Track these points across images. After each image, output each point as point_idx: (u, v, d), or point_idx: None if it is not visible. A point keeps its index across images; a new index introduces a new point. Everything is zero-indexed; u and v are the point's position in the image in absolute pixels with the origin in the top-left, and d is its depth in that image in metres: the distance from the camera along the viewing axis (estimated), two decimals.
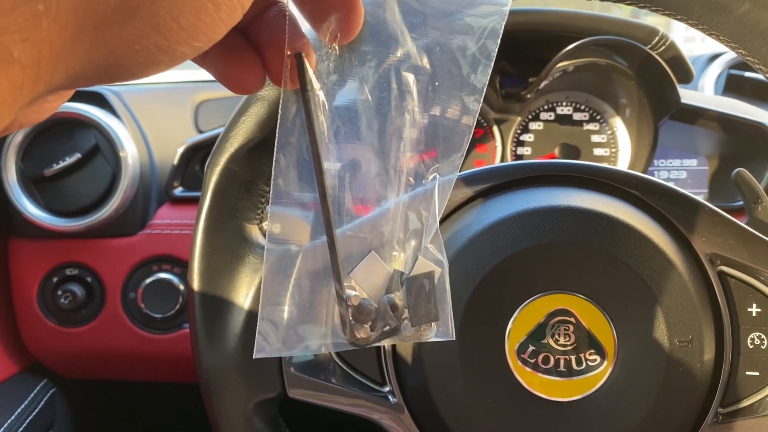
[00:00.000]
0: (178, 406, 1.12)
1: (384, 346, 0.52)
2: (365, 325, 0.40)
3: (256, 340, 0.40)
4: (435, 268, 0.40)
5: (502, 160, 1.01)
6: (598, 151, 1.00)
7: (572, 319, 0.49)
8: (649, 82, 0.91)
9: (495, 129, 1.01)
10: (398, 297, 0.40)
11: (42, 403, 0.95)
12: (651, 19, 1.07)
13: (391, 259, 0.41)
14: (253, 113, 0.51)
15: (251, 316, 0.51)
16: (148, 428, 1.16)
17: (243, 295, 0.52)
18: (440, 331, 0.40)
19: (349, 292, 0.40)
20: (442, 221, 0.52)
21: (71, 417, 1.01)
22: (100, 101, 0.93)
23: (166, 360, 0.92)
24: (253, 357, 0.39)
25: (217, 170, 0.52)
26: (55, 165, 0.86)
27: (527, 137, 1.01)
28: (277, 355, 0.44)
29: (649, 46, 0.90)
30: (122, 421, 1.15)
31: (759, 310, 0.51)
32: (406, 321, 0.40)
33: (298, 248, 0.41)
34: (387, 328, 0.40)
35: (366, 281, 0.40)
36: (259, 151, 0.52)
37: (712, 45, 1.33)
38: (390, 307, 0.40)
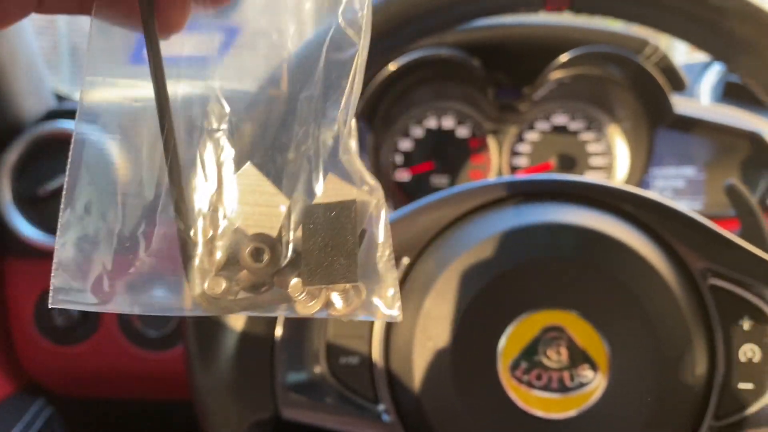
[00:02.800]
0: (176, 424, 1.11)
1: (375, 364, 0.51)
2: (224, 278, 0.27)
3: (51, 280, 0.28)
4: (358, 196, 0.27)
5: (498, 172, 1.00)
6: (594, 161, 1.00)
7: (564, 336, 0.49)
8: (643, 92, 0.91)
9: (490, 140, 1.00)
10: (285, 236, 0.27)
11: (39, 422, 0.95)
12: (643, 29, 1.06)
13: (282, 172, 0.29)
14: None
15: (244, 338, 0.51)
16: None
17: (235, 316, 0.51)
18: (368, 302, 0.28)
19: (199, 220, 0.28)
20: (434, 238, 0.52)
21: None
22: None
23: (163, 378, 0.91)
24: (49, 307, 0.28)
25: None
26: (48, 185, 0.86)
27: (523, 148, 1.00)
28: (81, 306, 0.29)
29: (642, 56, 0.90)
30: None
31: (751, 323, 0.51)
32: (296, 278, 0.27)
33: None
34: (250, 284, 0.28)
35: (240, 204, 0.28)
36: None
37: None
38: (253, 252, 0.27)
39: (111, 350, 0.92)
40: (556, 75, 0.90)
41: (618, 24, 0.91)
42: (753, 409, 0.50)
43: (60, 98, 1.03)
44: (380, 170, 0.99)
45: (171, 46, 0.31)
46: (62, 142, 0.88)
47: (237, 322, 0.51)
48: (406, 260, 0.51)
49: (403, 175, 1.01)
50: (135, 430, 1.16)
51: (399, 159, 1.01)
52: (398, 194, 1.00)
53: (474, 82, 0.94)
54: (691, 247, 0.50)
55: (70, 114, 0.93)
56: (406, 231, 0.52)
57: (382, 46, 0.52)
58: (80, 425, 1.05)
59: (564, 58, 0.87)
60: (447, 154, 1.01)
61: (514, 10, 0.53)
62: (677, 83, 0.93)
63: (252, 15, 0.32)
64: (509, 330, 0.49)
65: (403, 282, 0.51)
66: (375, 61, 0.53)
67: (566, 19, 0.94)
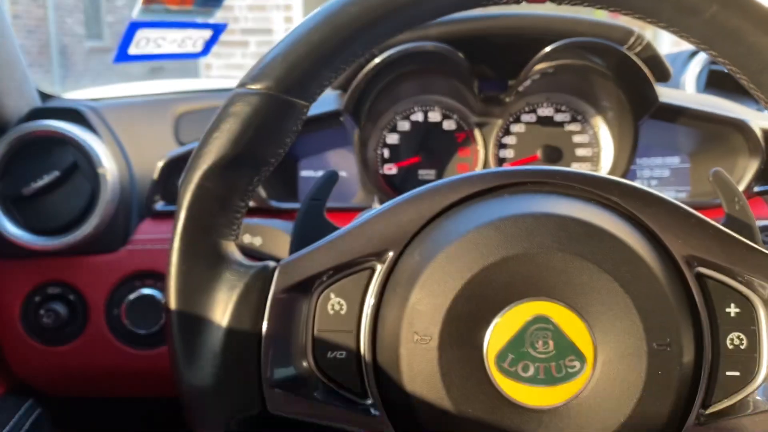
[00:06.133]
0: (166, 421, 1.11)
1: (362, 358, 0.51)
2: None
3: None
4: None
5: (484, 164, 1.01)
6: (580, 152, 1.00)
7: (551, 326, 0.49)
8: (627, 82, 0.92)
9: (476, 133, 1.00)
10: None
11: (28, 423, 0.94)
12: (627, 20, 1.07)
13: None
14: (225, 130, 0.51)
15: (229, 334, 0.51)
16: None
17: (220, 313, 0.51)
18: None
19: None
20: (418, 232, 0.52)
21: None
22: (78, 118, 0.92)
23: (152, 375, 0.91)
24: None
25: (191, 188, 0.51)
26: (33, 183, 0.85)
27: (509, 140, 1.01)
28: None
29: (626, 46, 0.90)
30: None
31: (738, 310, 0.51)
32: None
33: None
34: None
35: None
36: (232, 167, 0.51)
37: None
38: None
39: (99, 349, 0.91)
40: (540, 66, 0.90)
41: (602, 14, 0.91)
42: (740, 396, 0.51)
43: (44, 96, 1.02)
44: (367, 164, 0.99)
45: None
46: (47, 140, 0.87)
47: (221, 318, 0.51)
48: (391, 254, 0.51)
49: (390, 169, 1.01)
50: (124, 428, 1.16)
51: (386, 153, 1.01)
52: (385, 188, 1.00)
53: (459, 75, 0.94)
54: (676, 235, 0.51)
55: (54, 112, 0.93)
56: (391, 224, 0.52)
57: (366, 38, 0.52)
58: (69, 425, 1.05)
59: (548, 49, 0.87)
60: (434, 148, 1.01)
61: (497, 2, 0.53)
62: (662, 73, 0.93)
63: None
64: (495, 321, 0.49)
65: (388, 275, 0.51)
66: (359, 54, 0.53)
67: (549, 10, 0.94)
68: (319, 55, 0.51)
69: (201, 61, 6.03)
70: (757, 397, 0.50)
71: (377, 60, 0.90)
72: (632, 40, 0.90)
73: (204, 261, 0.52)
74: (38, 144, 0.87)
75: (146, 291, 0.91)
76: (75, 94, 1.10)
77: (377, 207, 0.54)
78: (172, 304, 0.51)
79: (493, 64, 0.97)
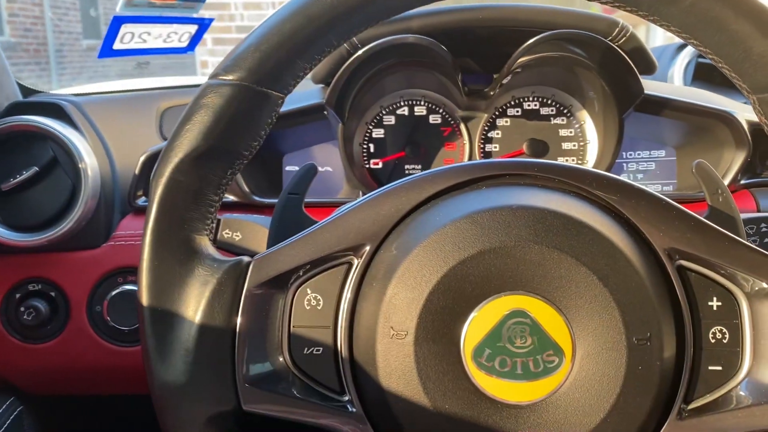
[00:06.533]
0: (148, 418, 1.10)
1: (339, 353, 0.51)
2: None
3: None
4: None
5: (470, 158, 1.00)
6: (566, 145, 0.99)
7: (528, 321, 0.48)
8: (612, 74, 0.91)
9: (462, 127, 1.00)
10: None
11: (9, 421, 0.93)
12: (613, 11, 1.06)
13: None
14: (197, 121, 0.50)
15: (202, 330, 0.50)
16: None
17: (193, 309, 0.50)
18: None
19: None
20: (396, 225, 0.51)
21: None
22: (58, 112, 0.91)
23: (135, 372, 0.90)
24: None
25: (162, 181, 0.50)
26: (12, 179, 0.84)
27: (495, 134, 1.00)
28: None
29: (610, 38, 0.89)
30: None
31: (720, 303, 0.50)
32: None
33: None
34: None
35: None
36: (204, 159, 0.51)
37: None
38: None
39: (81, 346, 0.90)
40: (524, 59, 0.90)
41: (587, 5, 0.90)
42: (722, 391, 0.50)
43: (26, 91, 1.01)
44: (353, 159, 0.99)
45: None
46: (25, 135, 0.86)
47: (194, 313, 0.50)
48: (368, 248, 0.51)
49: (376, 164, 1.00)
50: (106, 425, 1.15)
51: (371, 147, 1.00)
52: (371, 183, 1.00)
53: (443, 68, 0.93)
54: (657, 227, 0.50)
55: (34, 107, 0.91)
56: (368, 218, 0.51)
57: (340, 29, 0.51)
58: (52, 422, 1.04)
59: (531, 41, 0.87)
60: (419, 142, 1.00)
61: None
62: (647, 65, 0.92)
63: None
64: (472, 316, 0.48)
65: (365, 270, 0.51)
66: (334, 45, 0.52)
67: (533, 0, 0.93)
68: (292, 46, 0.50)
69: (197, 59, 6.02)
70: (740, 392, 0.50)
71: (359, 53, 0.89)
72: (616, 31, 0.89)
73: (176, 255, 0.51)
74: (17, 139, 0.86)
75: (129, 287, 0.90)
76: (61, 91, 1.09)
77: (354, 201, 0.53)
78: (144, 299, 0.51)
79: (477, 58, 0.97)
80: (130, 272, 0.91)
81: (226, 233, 0.65)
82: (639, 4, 0.50)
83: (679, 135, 0.97)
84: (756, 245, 0.50)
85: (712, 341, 0.50)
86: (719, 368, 0.50)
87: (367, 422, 0.50)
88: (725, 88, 1.10)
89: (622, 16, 0.91)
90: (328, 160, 1.00)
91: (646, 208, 0.50)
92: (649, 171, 0.98)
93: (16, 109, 0.90)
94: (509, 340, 0.48)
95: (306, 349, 0.51)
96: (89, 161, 0.86)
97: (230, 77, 0.50)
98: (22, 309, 0.89)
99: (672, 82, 1.28)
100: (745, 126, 0.89)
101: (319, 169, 0.98)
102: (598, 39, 0.87)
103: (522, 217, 0.49)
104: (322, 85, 0.97)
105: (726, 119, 0.90)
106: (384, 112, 1.00)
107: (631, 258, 0.49)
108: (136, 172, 0.91)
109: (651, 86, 0.91)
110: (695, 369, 0.50)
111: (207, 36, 5.06)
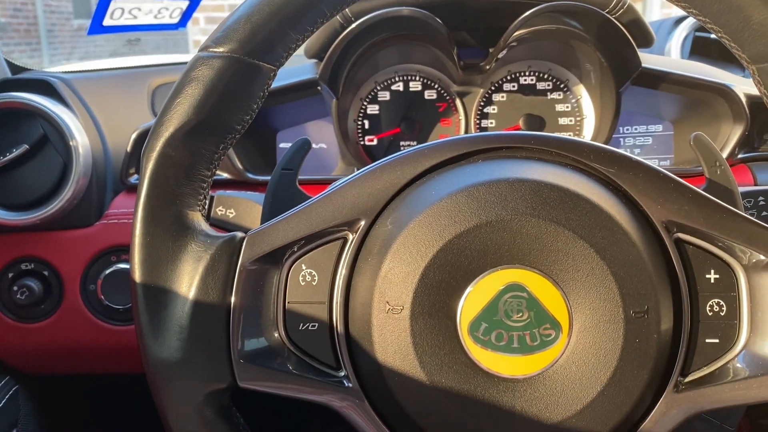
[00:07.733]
0: (143, 397, 1.10)
1: (335, 328, 0.50)
2: None
3: None
4: None
5: (466, 133, 0.99)
6: (563, 120, 0.99)
7: (525, 294, 0.48)
8: (609, 48, 0.90)
9: (458, 102, 0.99)
10: None
11: (4, 400, 0.93)
12: None
13: None
14: (188, 95, 0.49)
15: (196, 307, 0.49)
16: (114, 421, 1.15)
17: (186, 285, 0.50)
18: None
19: None
20: (391, 200, 0.51)
21: (36, 413, 0.99)
22: (48, 90, 0.90)
23: (130, 351, 0.90)
24: None
25: (153, 156, 0.50)
26: (1, 157, 0.83)
27: (491, 109, 0.99)
28: None
29: (607, 10, 0.88)
30: (88, 414, 1.13)
31: (717, 276, 0.50)
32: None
33: None
34: None
35: None
36: (196, 134, 0.50)
37: None
38: None
39: (76, 325, 0.90)
40: (520, 33, 0.88)
41: None
42: (719, 363, 0.50)
43: (15, 69, 1.00)
44: (347, 135, 0.98)
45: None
46: (14, 113, 0.85)
47: (187, 290, 0.50)
48: (363, 222, 0.50)
49: (371, 140, 0.99)
50: (101, 405, 1.15)
51: (366, 124, 0.99)
52: (366, 159, 0.99)
53: (438, 42, 0.92)
54: (654, 200, 0.49)
55: (23, 84, 0.90)
56: (363, 193, 0.50)
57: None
58: (47, 401, 1.04)
59: (527, 14, 0.86)
60: (415, 118, 0.99)
61: None
62: (644, 38, 0.91)
63: None
64: (468, 290, 0.48)
65: (360, 245, 0.50)
66: (327, 15, 0.51)
67: None
68: (284, 16, 0.49)
69: (190, 38, 5.97)
70: (737, 365, 0.50)
71: (352, 26, 0.88)
72: (613, 3, 0.88)
73: (168, 231, 0.50)
74: (6, 117, 0.84)
75: (122, 266, 0.89)
76: (51, 69, 1.08)
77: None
78: (136, 276, 0.50)
79: (473, 31, 0.96)
80: (124, 251, 0.90)
81: (220, 210, 0.64)
82: None
83: (676, 109, 0.96)
84: None
85: (710, 314, 0.50)
86: (716, 341, 0.50)
87: (364, 397, 0.50)
88: (723, 62, 1.09)
89: None
90: (323, 136, 0.99)
91: (644, 180, 0.50)
92: (646, 146, 0.98)
93: (4, 86, 0.89)
94: (506, 314, 0.48)
95: (301, 324, 0.51)
96: (80, 139, 0.85)
97: (221, 49, 0.49)
98: (15, 288, 0.88)
99: (670, 56, 1.27)
100: (743, 99, 0.88)
101: (314, 146, 0.97)
102: (595, 11, 0.86)
103: (519, 190, 0.48)
104: (316, 60, 0.96)
105: (724, 92, 0.89)
106: (379, 88, 0.99)
107: (628, 230, 0.48)
108: (128, 149, 0.90)
109: (648, 59, 0.90)
110: (692, 342, 0.50)
111: (199, 15, 5.02)
